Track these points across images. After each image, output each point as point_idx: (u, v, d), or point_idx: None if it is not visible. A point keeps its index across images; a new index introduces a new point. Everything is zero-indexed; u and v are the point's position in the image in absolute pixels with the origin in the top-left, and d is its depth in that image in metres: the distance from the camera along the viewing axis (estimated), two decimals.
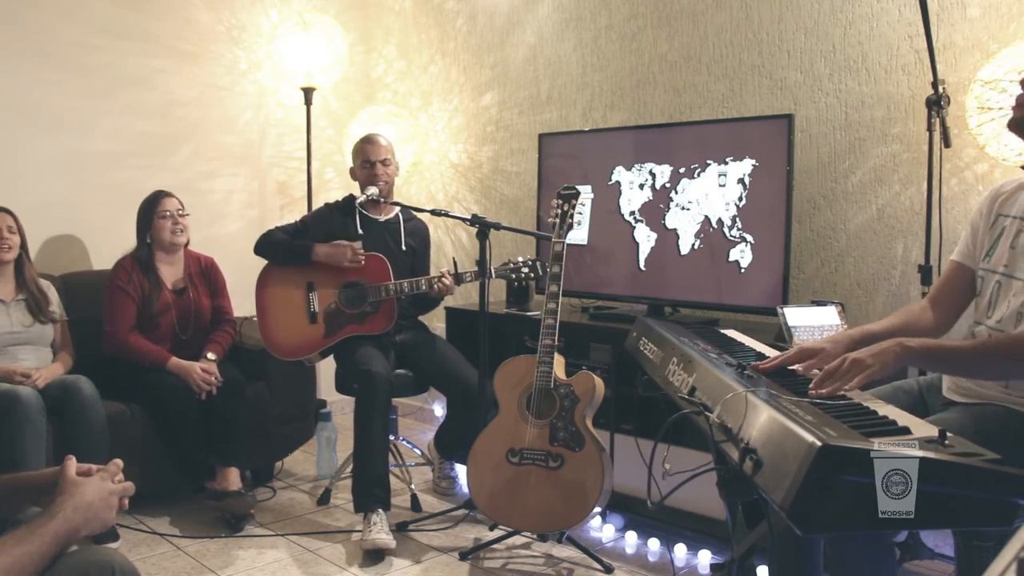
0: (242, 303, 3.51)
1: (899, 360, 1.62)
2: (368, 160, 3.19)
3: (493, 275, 2.92)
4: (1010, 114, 1.74)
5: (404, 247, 3.25)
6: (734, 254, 2.87)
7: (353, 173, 3.28)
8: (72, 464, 1.38)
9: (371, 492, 2.80)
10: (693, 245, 2.97)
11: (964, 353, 1.69)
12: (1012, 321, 1.74)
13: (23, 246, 3.04)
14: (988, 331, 1.82)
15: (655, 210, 3.06)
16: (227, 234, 4.02)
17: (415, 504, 3.16)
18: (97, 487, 1.35)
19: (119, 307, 3.10)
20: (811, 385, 1.59)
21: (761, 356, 1.85)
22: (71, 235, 3.58)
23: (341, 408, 4.07)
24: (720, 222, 2.90)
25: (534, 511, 2.60)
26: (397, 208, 3.29)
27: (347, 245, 3.07)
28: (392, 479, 2.94)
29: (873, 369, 1.57)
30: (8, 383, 2.73)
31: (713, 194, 2.91)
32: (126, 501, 1.40)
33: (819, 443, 1.10)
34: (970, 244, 1.93)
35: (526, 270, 2.98)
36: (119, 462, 1.43)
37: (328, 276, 3.10)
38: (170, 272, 3.25)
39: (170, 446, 3.03)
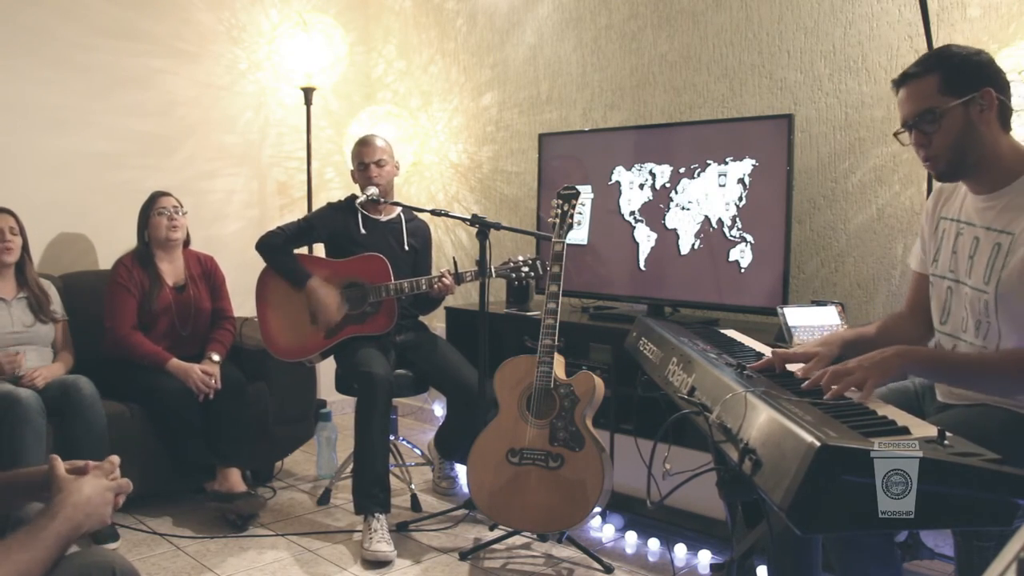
0: (242, 303, 3.51)
1: (901, 369, 1.61)
2: (363, 162, 3.19)
3: (493, 274, 2.92)
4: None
5: (406, 247, 3.26)
6: (734, 254, 2.87)
7: (353, 175, 3.28)
8: (59, 462, 1.36)
9: (371, 493, 2.80)
10: (693, 245, 2.97)
11: (969, 366, 1.66)
12: (972, 331, 1.72)
13: (24, 247, 3.04)
14: (947, 339, 1.79)
15: (655, 210, 3.06)
16: (227, 234, 4.02)
17: (415, 504, 3.16)
18: (94, 484, 1.34)
19: (120, 304, 3.09)
20: (824, 387, 1.56)
21: (761, 356, 1.85)
22: (71, 235, 3.58)
23: (341, 408, 4.07)
24: (720, 222, 2.90)
25: (534, 511, 2.60)
26: (399, 208, 3.29)
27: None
28: (392, 479, 2.94)
29: (874, 380, 1.54)
30: (8, 384, 2.74)
31: (713, 194, 2.91)
32: (121, 498, 1.38)
33: (819, 443, 1.10)
34: (920, 250, 1.92)
35: (526, 269, 2.97)
36: (115, 458, 1.41)
37: (328, 277, 3.10)
38: (170, 270, 3.25)
39: (169, 447, 3.03)
